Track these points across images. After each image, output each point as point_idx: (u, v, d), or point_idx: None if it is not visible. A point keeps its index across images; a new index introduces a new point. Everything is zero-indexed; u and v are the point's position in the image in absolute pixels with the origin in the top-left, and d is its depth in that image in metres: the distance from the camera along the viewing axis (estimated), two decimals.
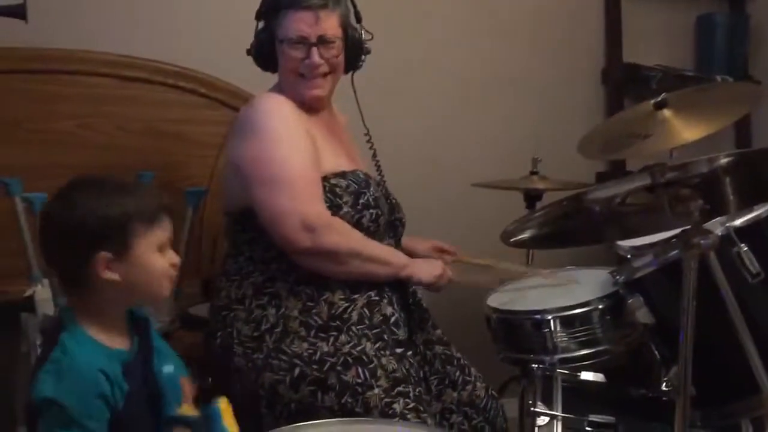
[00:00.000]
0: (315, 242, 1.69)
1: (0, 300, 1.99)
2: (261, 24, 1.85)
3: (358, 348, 1.70)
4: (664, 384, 1.78)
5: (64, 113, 2.21)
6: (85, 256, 1.29)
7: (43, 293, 1.92)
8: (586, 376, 1.82)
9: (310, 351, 1.69)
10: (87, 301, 1.33)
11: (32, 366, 1.35)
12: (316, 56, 1.79)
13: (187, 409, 1.37)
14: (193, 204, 2.22)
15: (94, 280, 1.30)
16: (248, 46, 1.89)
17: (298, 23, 1.77)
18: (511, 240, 1.69)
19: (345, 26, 1.84)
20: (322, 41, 1.79)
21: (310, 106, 1.86)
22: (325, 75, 1.83)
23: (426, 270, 1.82)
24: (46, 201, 1.38)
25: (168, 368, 1.40)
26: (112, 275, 1.30)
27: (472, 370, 2.00)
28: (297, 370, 1.68)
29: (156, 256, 1.35)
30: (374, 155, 1.98)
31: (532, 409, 1.65)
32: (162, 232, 1.36)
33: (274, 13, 1.81)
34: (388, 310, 1.78)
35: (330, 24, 1.80)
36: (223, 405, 1.36)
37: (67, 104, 2.21)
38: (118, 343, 1.35)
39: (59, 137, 2.20)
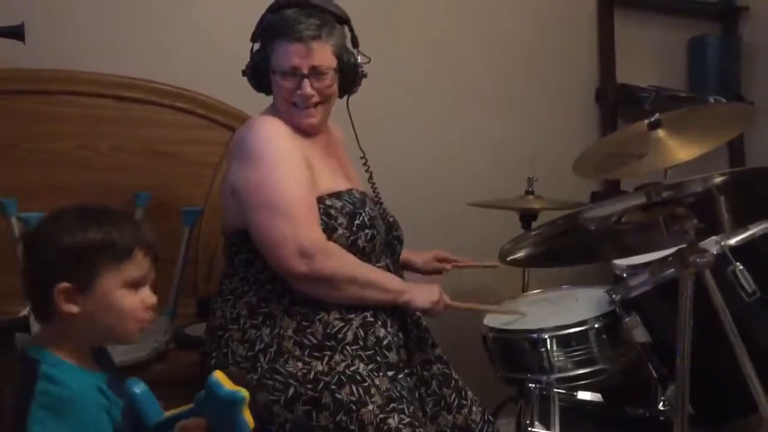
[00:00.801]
0: (311, 268, 1.69)
1: None
2: (257, 46, 1.86)
3: (352, 367, 1.70)
4: (661, 403, 1.78)
5: (62, 134, 2.21)
6: (47, 286, 1.26)
7: None
8: (583, 395, 1.82)
9: (305, 370, 1.68)
10: (53, 332, 1.30)
11: (11, 400, 1.28)
12: (308, 88, 1.79)
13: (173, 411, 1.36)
14: (189, 223, 2.22)
15: (57, 311, 1.27)
16: (244, 67, 1.90)
17: (290, 54, 1.77)
18: (508, 259, 1.69)
19: (340, 54, 1.83)
20: (314, 72, 1.79)
21: (305, 131, 1.87)
22: (317, 104, 1.83)
23: (423, 296, 1.81)
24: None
25: (138, 387, 1.31)
26: (71, 307, 1.26)
27: (469, 393, 1.99)
28: (291, 390, 1.67)
29: (123, 294, 1.30)
30: (370, 177, 1.98)
31: (529, 429, 1.65)
32: (135, 268, 1.31)
33: (268, 40, 1.82)
34: (381, 333, 1.77)
35: (323, 55, 1.79)
36: (219, 374, 1.29)
37: (65, 125, 2.22)
38: (90, 367, 1.32)
39: (57, 158, 2.20)
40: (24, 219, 1.96)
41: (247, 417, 1.26)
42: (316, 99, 1.81)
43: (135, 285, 1.31)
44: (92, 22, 2.31)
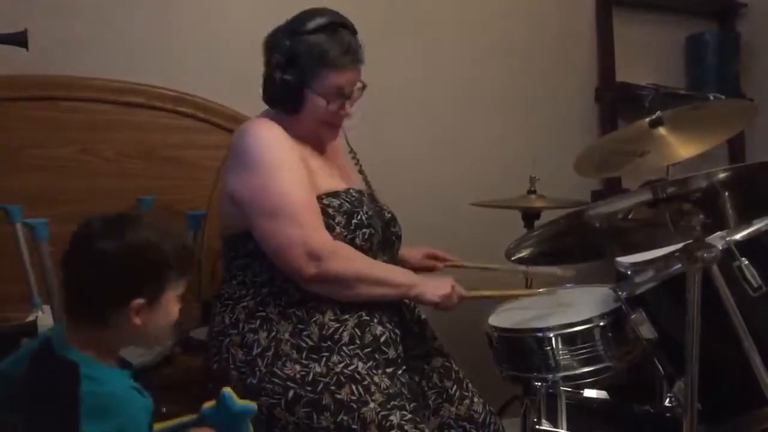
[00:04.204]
0: (321, 270, 1.70)
1: (1, 326, 1.98)
2: (290, 72, 1.78)
3: (351, 367, 1.70)
4: (667, 400, 1.78)
5: (65, 140, 2.23)
6: (121, 301, 1.25)
7: (44, 319, 1.92)
8: (590, 393, 1.83)
9: (303, 372, 1.69)
10: (97, 339, 1.28)
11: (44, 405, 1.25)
12: (350, 108, 1.83)
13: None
14: (194, 227, 2.23)
15: (116, 322, 1.26)
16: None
17: (339, 80, 1.79)
18: (512, 258, 1.70)
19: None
20: (355, 93, 1.83)
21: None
22: None
23: (433, 290, 1.82)
24: (88, 229, 1.29)
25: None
26: (137, 320, 1.27)
27: (470, 384, 2.00)
28: (291, 393, 1.67)
29: (175, 305, 1.33)
30: (361, 171, 1.98)
31: (537, 426, 1.65)
32: (187, 282, 1.34)
33: (313, 63, 1.77)
34: (378, 330, 1.78)
35: (360, 76, 1.84)
36: (228, 389, 1.37)
37: (68, 131, 2.23)
38: (117, 367, 1.33)
39: (60, 163, 2.21)
40: (29, 225, 1.96)
41: (250, 426, 1.38)
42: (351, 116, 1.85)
43: (181, 297, 1.33)
44: (94, 29, 2.32)
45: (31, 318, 1.89)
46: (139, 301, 1.26)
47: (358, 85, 1.84)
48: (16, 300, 1.99)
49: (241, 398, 1.37)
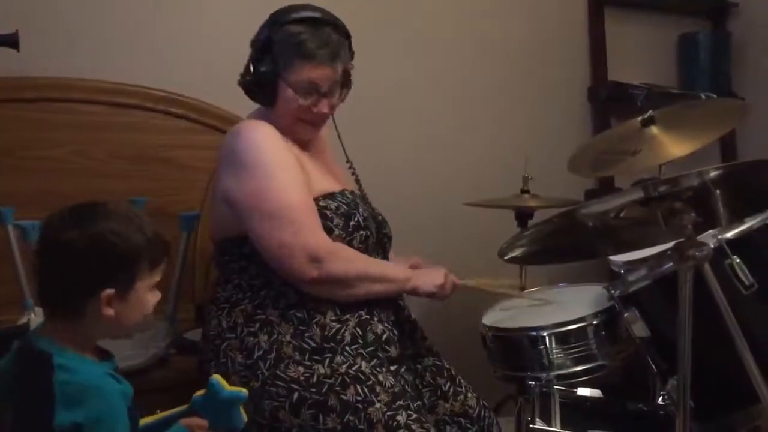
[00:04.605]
0: (322, 272, 1.70)
1: None
2: (265, 60, 1.78)
3: (354, 367, 1.70)
4: (660, 398, 1.79)
5: (57, 141, 2.21)
6: (90, 291, 1.25)
7: (37, 321, 1.90)
8: (583, 391, 1.83)
9: (307, 374, 1.68)
10: (73, 330, 1.28)
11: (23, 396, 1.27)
12: (325, 107, 1.80)
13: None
14: (187, 229, 2.22)
15: (90, 312, 1.27)
16: (236, 70, 1.87)
17: (312, 74, 1.76)
18: (505, 257, 1.70)
19: (346, 68, 1.83)
20: (331, 91, 1.80)
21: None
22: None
23: (428, 281, 1.83)
24: (54, 221, 1.29)
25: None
26: (110, 311, 1.27)
27: (462, 380, 2.00)
28: (296, 395, 1.67)
29: (149, 296, 1.32)
30: (354, 173, 1.98)
31: (530, 425, 1.65)
32: (160, 272, 1.34)
33: (286, 55, 1.76)
34: (379, 328, 1.78)
35: (340, 72, 1.80)
36: (218, 377, 1.39)
37: (60, 132, 2.21)
38: (95, 359, 1.33)
39: (52, 165, 2.20)
40: (21, 227, 1.95)
41: (242, 412, 1.40)
42: (328, 115, 1.83)
43: (155, 287, 1.33)
44: (85, 30, 2.31)
45: (23, 320, 1.88)
46: (109, 291, 1.26)
47: (338, 84, 1.80)
48: (8, 302, 1.97)
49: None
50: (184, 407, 1.40)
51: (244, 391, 1.41)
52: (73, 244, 1.25)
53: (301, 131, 1.85)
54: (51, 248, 1.28)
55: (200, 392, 1.40)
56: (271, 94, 1.80)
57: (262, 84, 1.79)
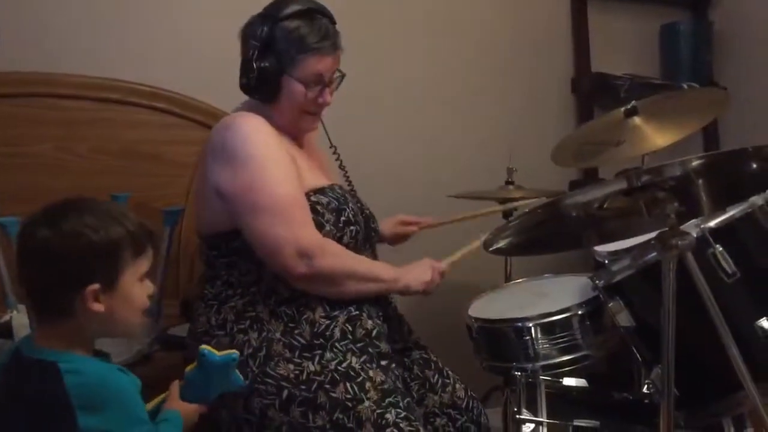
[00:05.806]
0: (311, 268, 1.69)
1: None
2: (267, 57, 1.76)
3: (344, 364, 1.70)
4: (645, 387, 1.80)
5: (40, 136, 2.20)
6: (74, 287, 1.24)
7: (20, 318, 1.89)
8: (569, 381, 1.84)
9: (297, 371, 1.68)
10: (68, 332, 1.27)
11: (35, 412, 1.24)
12: (329, 96, 1.82)
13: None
14: (170, 223, 2.21)
15: (78, 310, 1.25)
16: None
17: (319, 66, 1.77)
18: (490, 249, 1.70)
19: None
20: (332, 81, 1.82)
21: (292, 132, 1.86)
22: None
23: (417, 279, 1.84)
24: (29, 222, 1.28)
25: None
26: (98, 307, 1.26)
27: (450, 372, 2.01)
28: (285, 393, 1.67)
29: (138, 287, 1.31)
30: (343, 169, 1.98)
31: (517, 416, 1.66)
32: (147, 262, 1.32)
33: (290, 50, 1.76)
34: (369, 324, 1.78)
35: (338, 63, 1.83)
36: (206, 347, 1.39)
37: (43, 127, 2.20)
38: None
39: (35, 161, 2.18)
40: (2, 224, 1.93)
41: (238, 374, 1.42)
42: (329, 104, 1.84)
43: (143, 277, 1.32)
44: (69, 24, 2.29)
45: (5, 318, 1.87)
46: (94, 286, 1.25)
47: (337, 73, 1.83)
48: None
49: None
50: (164, 395, 1.40)
51: (236, 352, 1.41)
52: (48, 244, 1.24)
53: (305, 123, 1.86)
54: (28, 251, 1.27)
55: (191, 366, 1.40)
56: (274, 90, 1.79)
57: (265, 81, 1.78)
